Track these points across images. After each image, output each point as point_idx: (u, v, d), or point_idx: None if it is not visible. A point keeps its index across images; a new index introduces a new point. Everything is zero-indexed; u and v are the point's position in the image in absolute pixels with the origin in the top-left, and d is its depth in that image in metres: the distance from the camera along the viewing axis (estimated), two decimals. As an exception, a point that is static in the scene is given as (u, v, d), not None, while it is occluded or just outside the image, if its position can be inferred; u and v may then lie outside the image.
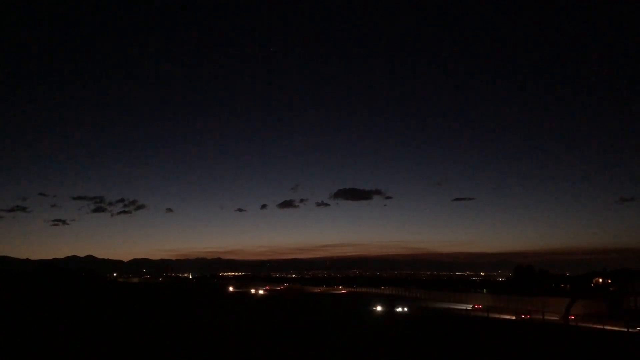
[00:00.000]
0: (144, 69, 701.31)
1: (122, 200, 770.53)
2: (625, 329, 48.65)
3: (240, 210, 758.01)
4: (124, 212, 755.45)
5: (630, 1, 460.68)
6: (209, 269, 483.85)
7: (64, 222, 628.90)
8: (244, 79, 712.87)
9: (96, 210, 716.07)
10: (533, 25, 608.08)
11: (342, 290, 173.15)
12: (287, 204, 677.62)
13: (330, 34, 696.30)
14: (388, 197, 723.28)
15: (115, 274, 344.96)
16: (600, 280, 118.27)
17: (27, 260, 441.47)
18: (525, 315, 65.18)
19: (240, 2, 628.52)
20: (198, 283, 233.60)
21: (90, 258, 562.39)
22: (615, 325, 52.05)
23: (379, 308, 71.11)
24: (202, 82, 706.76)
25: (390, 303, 77.82)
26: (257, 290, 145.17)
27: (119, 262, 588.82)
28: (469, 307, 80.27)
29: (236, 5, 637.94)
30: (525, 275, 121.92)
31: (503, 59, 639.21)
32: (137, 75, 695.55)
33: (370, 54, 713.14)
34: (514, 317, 65.01)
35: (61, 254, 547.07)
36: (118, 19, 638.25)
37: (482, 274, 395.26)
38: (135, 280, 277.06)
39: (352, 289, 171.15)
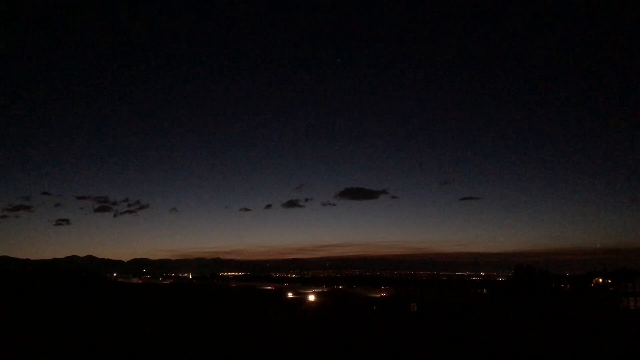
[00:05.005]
0: (148, 68, 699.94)
1: (126, 200, 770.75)
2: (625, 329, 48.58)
3: (245, 209, 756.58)
4: (128, 211, 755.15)
5: (632, 4, 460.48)
6: (209, 269, 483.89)
7: (67, 221, 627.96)
8: (248, 79, 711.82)
9: (100, 209, 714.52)
10: (539, 25, 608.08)
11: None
12: (292, 204, 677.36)
13: (335, 33, 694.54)
14: (394, 197, 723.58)
15: (115, 274, 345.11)
16: (600, 280, 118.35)
17: (27, 260, 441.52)
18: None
19: (247, 6, 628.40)
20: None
21: (90, 258, 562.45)
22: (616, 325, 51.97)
23: None
24: (206, 81, 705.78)
25: None
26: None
27: (119, 262, 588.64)
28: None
29: (242, 7, 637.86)
30: (525, 275, 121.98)
31: (509, 59, 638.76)
32: (141, 74, 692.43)
33: (375, 54, 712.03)
34: None
35: (62, 254, 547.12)
36: (123, 19, 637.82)
37: (482, 273, 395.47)
38: (136, 280, 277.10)
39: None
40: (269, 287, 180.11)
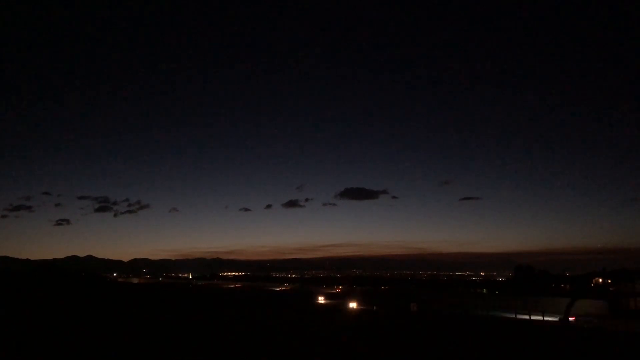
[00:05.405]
0: (149, 69, 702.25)
1: (126, 200, 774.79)
2: (626, 329, 48.63)
3: (245, 209, 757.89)
4: (129, 211, 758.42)
5: (632, 4, 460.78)
6: (209, 269, 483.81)
7: (67, 221, 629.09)
8: (249, 79, 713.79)
9: (100, 209, 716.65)
10: (538, 28, 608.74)
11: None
12: (292, 204, 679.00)
13: (336, 35, 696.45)
14: (394, 197, 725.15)
15: (115, 274, 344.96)
16: (600, 280, 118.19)
17: (27, 260, 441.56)
18: None
19: (248, 7, 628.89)
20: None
21: (90, 258, 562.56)
22: (616, 325, 52.03)
23: None
24: (207, 82, 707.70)
25: None
26: None
27: (119, 262, 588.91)
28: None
29: (243, 10, 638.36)
30: (525, 275, 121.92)
31: (509, 60, 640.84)
32: (142, 75, 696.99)
33: (376, 55, 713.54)
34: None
35: (62, 254, 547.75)
36: (125, 21, 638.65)
37: (482, 273, 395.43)
38: (136, 280, 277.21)
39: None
40: (237, 285, 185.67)
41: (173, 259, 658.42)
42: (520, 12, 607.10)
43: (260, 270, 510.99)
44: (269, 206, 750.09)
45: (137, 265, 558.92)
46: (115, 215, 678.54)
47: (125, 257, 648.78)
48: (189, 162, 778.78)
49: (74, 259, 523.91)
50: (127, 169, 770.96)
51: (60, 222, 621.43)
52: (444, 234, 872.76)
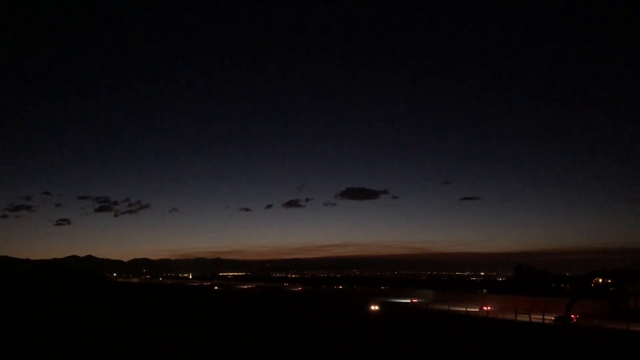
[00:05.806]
0: (150, 70, 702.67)
1: (127, 200, 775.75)
2: (626, 329, 48.63)
3: (245, 209, 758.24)
4: (129, 211, 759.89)
5: (632, 4, 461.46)
6: (209, 269, 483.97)
7: (68, 221, 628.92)
8: (249, 80, 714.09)
9: (100, 209, 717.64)
10: (541, 28, 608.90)
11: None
12: (292, 204, 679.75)
13: (336, 35, 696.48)
14: (395, 197, 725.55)
15: (115, 274, 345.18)
16: (600, 280, 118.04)
17: (27, 260, 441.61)
18: None
19: (247, 7, 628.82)
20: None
21: (90, 258, 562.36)
22: (616, 325, 52.03)
23: None
24: (208, 83, 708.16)
25: None
26: None
27: (119, 262, 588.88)
28: None
29: (242, 11, 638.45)
30: (525, 275, 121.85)
31: (511, 62, 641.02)
32: (143, 76, 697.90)
33: (377, 55, 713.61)
34: None
35: (62, 254, 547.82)
36: (126, 22, 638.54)
37: (482, 274, 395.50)
38: (135, 280, 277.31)
39: None
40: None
41: (173, 259, 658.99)
42: (520, 12, 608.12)
43: (261, 270, 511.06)
44: (269, 206, 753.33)
45: (137, 265, 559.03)
46: (115, 215, 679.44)
47: (125, 257, 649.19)
48: (189, 162, 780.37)
49: (74, 259, 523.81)
50: (127, 169, 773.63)
51: (60, 222, 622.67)
52: (444, 234, 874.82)
